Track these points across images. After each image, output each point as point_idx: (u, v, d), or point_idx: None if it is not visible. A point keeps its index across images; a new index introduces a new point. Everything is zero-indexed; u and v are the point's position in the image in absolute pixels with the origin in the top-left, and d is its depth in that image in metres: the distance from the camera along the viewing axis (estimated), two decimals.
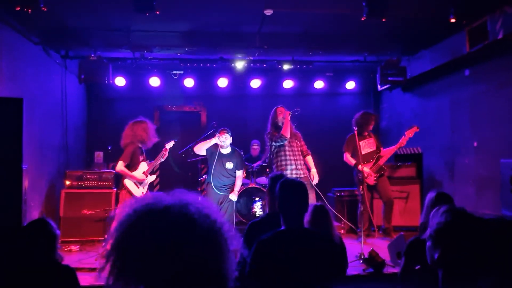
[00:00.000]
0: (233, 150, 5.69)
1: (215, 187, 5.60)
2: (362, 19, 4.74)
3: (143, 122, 5.39)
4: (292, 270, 2.27)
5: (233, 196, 5.63)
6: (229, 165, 5.61)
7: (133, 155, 5.26)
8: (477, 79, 5.80)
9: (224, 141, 5.53)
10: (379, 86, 7.13)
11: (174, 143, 5.63)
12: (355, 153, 5.93)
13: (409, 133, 5.97)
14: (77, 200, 5.96)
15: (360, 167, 5.73)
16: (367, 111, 6.32)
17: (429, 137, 6.79)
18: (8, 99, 4.02)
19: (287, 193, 2.51)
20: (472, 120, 5.90)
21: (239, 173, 5.71)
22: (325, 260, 2.34)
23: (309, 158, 5.84)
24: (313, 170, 5.75)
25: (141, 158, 5.36)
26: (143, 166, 5.35)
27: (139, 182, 5.28)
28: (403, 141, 5.95)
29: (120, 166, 5.16)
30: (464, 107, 6.05)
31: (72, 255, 5.16)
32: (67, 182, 6.12)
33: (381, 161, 6.07)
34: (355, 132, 5.42)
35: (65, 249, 5.38)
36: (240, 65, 6.96)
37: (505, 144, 5.16)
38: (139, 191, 5.26)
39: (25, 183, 4.11)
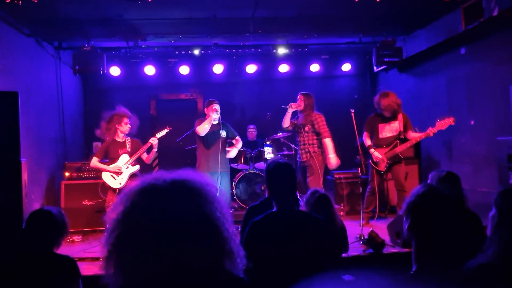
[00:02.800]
0: (220, 121, 5.73)
1: (212, 165, 5.60)
2: (356, 0, 4.70)
3: (116, 115, 5.36)
4: (284, 250, 2.30)
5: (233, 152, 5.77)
6: (223, 133, 5.72)
7: (107, 150, 5.30)
8: (473, 57, 5.78)
9: (218, 112, 5.61)
10: (375, 68, 7.09)
11: (167, 131, 5.47)
12: (373, 135, 5.79)
13: (442, 125, 5.28)
14: (77, 191, 5.99)
15: (371, 150, 5.70)
16: (385, 91, 5.78)
17: (426, 117, 6.79)
18: (3, 93, 3.98)
19: (274, 174, 2.55)
20: (468, 99, 5.89)
21: (238, 137, 5.86)
22: (317, 241, 2.36)
23: (327, 141, 5.62)
24: (330, 156, 5.59)
25: (121, 151, 5.31)
26: (124, 158, 5.30)
27: (114, 174, 5.26)
28: (430, 132, 5.32)
29: (93, 161, 5.30)
30: (461, 85, 6.04)
31: (75, 246, 5.21)
32: (67, 174, 6.13)
33: (398, 149, 5.62)
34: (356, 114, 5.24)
35: (68, 240, 5.41)
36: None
37: (501, 122, 5.16)
38: (116, 182, 5.26)
39: (25, 176, 4.12)
